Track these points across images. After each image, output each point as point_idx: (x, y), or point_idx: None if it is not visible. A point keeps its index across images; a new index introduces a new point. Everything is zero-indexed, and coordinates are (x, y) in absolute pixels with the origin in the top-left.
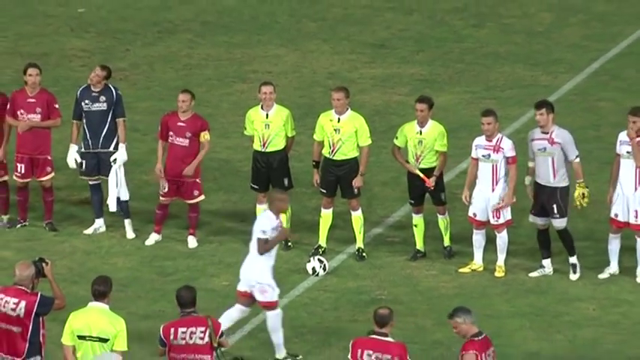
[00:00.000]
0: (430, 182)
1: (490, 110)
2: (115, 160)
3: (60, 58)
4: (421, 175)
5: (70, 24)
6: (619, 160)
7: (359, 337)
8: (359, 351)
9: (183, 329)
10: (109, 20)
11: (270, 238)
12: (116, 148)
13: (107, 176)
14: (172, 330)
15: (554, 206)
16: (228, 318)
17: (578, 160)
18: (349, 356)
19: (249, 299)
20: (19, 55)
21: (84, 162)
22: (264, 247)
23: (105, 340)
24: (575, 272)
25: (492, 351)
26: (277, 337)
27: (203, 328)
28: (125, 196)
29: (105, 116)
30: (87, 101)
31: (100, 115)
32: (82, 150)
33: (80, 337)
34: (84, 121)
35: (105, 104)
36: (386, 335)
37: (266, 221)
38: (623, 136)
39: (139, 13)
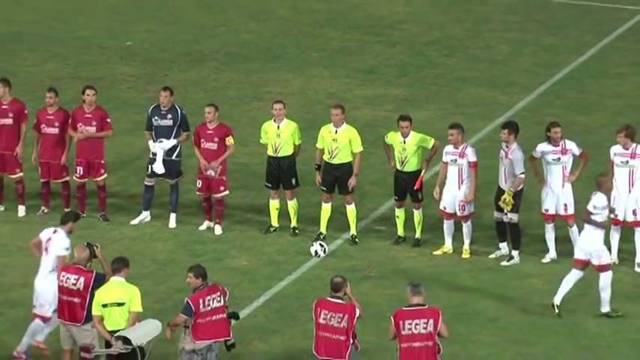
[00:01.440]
0: (417, 184)
1: (455, 124)
2: (162, 142)
3: (111, 82)
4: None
5: (119, 54)
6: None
7: (319, 299)
8: (318, 310)
9: (208, 297)
10: (151, 51)
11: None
12: (178, 156)
13: (170, 179)
14: (201, 300)
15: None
16: (566, 283)
17: (522, 176)
18: (313, 314)
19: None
20: (78, 79)
21: (150, 166)
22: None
23: (121, 304)
24: (508, 262)
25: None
26: (606, 293)
27: (218, 293)
28: (160, 169)
29: (170, 130)
30: (156, 117)
31: (167, 129)
32: (150, 156)
33: (104, 306)
34: (153, 132)
35: (171, 121)
36: (339, 298)
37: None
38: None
39: (175, 45)
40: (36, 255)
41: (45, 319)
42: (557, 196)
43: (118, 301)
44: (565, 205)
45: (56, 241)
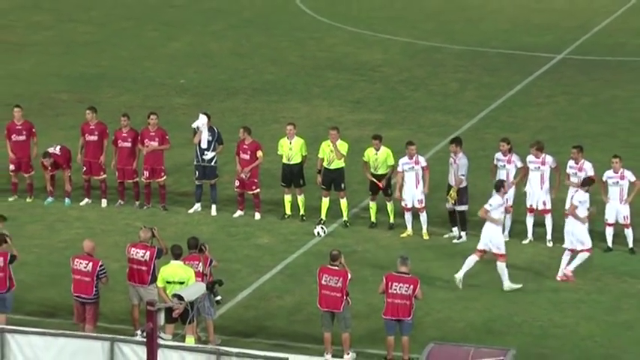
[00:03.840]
0: (381, 184)
1: (411, 141)
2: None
3: (169, 109)
4: (375, 180)
5: (175, 89)
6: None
7: (321, 267)
8: (320, 274)
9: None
10: (198, 87)
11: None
12: (215, 163)
13: (210, 180)
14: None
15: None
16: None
17: (462, 177)
18: (316, 278)
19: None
20: (145, 107)
21: (197, 171)
22: None
23: (182, 283)
24: (458, 240)
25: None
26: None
27: (198, 262)
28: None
29: (210, 145)
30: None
31: (207, 144)
32: (195, 163)
33: (168, 282)
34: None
35: (209, 136)
36: (336, 266)
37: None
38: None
39: (215, 82)
40: None
41: None
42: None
43: (180, 280)
44: (507, 199)
45: None
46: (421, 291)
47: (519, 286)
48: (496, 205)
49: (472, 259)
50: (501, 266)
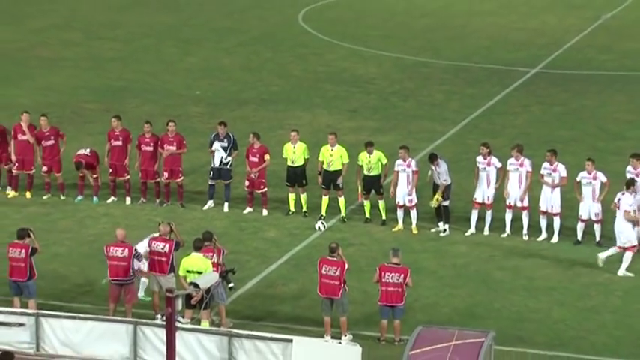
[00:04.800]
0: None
1: (403, 146)
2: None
3: (187, 117)
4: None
5: (191, 99)
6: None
7: (322, 258)
8: (321, 264)
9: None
10: (212, 97)
11: None
12: (230, 166)
13: (225, 181)
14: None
15: (443, 195)
16: None
17: (445, 182)
18: (317, 268)
19: None
20: (165, 116)
21: (212, 172)
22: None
23: (200, 272)
24: (443, 233)
25: (399, 275)
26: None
27: (212, 253)
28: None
29: (226, 150)
30: (216, 142)
31: (223, 149)
32: (211, 166)
33: (188, 271)
34: (214, 151)
35: (226, 143)
36: (334, 257)
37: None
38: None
39: (227, 94)
40: None
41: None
42: (484, 192)
43: (198, 270)
44: (488, 197)
45: None
46: (411, 279)
47: (632, 275)
48: (632, 202)
49: (613, 250)
50: (628, 256)
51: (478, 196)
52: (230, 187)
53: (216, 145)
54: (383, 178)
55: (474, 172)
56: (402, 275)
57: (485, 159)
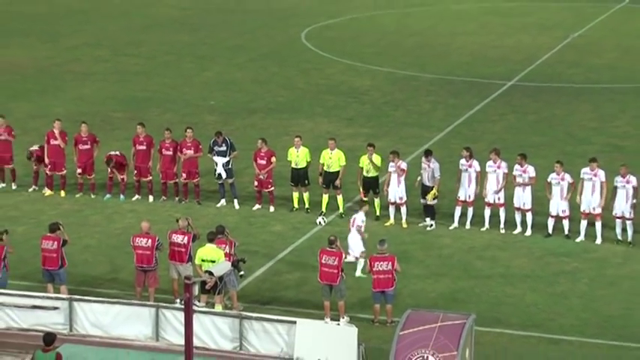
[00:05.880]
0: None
1: (394, 151)
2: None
3: (203, 125)
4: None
5: (207, 109)
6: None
7: (322, 249)
8: (321, 255)
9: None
10: (225, 107)
11: None
12: (232, 166)
13: (229, 179)
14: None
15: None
16: None
17: (438, 178)
18: (318, 258)
19: None
20: (183, 123)
21: (216, 175)
22: None
23: (213, 261)
24: (430, 228)
25: (387, 263)
26: None
27: (225, 245)
28: (223, 174)
29: (224, 154)
30: (216, 147)
31: (222, 153)
32: (215, 170)
33: (203, 260)
34: (215, 154)
35: (224, 147)
36: (333, 248)
37: None
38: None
39: (238, 104)
40: None
41: None
42: (466, 190)
43: (212, 259)
44: (469, 196)
45: None
46: (399, 265)
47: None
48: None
49: None
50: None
51: (461, 195)
52: (235, 185)
53: (216, 159)
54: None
55: (457, 172)
56: (390, 263)
57: (467, 161)
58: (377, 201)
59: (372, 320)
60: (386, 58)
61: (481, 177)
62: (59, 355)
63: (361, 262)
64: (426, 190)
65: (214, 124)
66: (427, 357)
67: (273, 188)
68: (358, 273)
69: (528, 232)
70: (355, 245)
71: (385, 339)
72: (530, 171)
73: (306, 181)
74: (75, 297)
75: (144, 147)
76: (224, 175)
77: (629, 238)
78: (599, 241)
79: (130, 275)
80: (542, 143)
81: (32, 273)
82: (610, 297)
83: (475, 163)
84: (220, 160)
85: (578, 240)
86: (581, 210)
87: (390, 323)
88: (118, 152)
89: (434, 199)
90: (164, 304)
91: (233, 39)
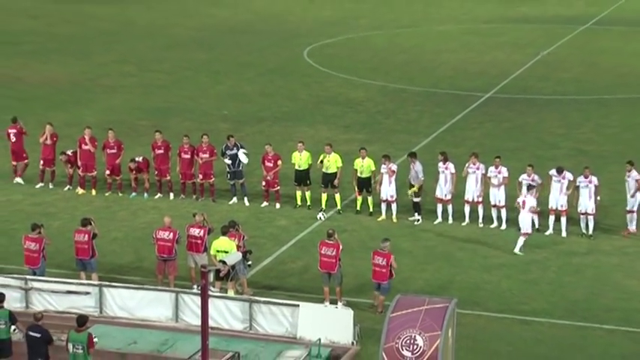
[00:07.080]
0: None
1: (386, 155)
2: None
3: (217, 132)
4: (356, 189)
5: (220, 118)
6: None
7: (321, 240)
8: (321, 246)
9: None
10: (236, 116)
11: None
12: (242, 167)
13: (239, 180)
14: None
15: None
16: None
17: (422, 178)
18: (318, 249)
19: None
20: (200, 130)
21: (228, 174)
22: None
23: (226, 252)
24: (417, 222)
25: (383, 259)
26: None
27: (235, 238)
28: (245, 159)
29: (236, 156)
30: (228, 150)
31: (234, 156)
32: (227, 170)
33: (217, 251)
34: (227, 156)
35: (235, 150)
36: (331, 240)
37: None
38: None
39: (247, 113)
40: None
41: None
42: (442, 189)
43: (225, 250)
44: (445, 194)
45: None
46: (395, 262)
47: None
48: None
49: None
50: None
51: (438, 193)
52: (245, 184)
53: (240, 154)
54: (372, 178)
55: (436, 174)
56: (385, 259)
57: (444, 164)
58: (370, 199)
59: (372, 304)
60: (378, 73)
61: (457, 178)
62: (90, 335)
63: (521, 241)
64: (413, 188)
65: (227, 131)
66: (415, 336)
67: (278, 187)
68: (517, 249)
69: (504, 227)
70: (525, 223)
71: (378, 320)
72: (504, 171)
73: (308, 182)
74: (104, 283)
75: (162, 151)
76: (244, 160)
77: (591, 232)
78: (564, 234)
79: (153, 264)
80: (516, 148)
81: (67, 262)
82: (576, 283)
83: (450, 166)
84: (241, 161)
85: (547, 233)
86: (549, 207)
87: (380, 313)
88: (140, 158)
89: (416, 195)
90: (183, 290)
91: (243, 56)
